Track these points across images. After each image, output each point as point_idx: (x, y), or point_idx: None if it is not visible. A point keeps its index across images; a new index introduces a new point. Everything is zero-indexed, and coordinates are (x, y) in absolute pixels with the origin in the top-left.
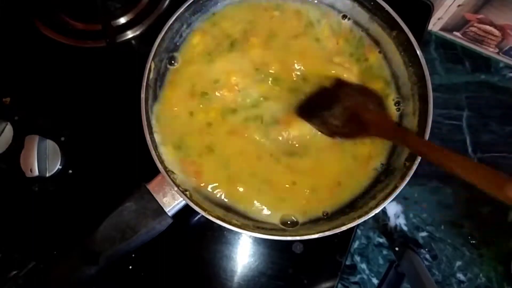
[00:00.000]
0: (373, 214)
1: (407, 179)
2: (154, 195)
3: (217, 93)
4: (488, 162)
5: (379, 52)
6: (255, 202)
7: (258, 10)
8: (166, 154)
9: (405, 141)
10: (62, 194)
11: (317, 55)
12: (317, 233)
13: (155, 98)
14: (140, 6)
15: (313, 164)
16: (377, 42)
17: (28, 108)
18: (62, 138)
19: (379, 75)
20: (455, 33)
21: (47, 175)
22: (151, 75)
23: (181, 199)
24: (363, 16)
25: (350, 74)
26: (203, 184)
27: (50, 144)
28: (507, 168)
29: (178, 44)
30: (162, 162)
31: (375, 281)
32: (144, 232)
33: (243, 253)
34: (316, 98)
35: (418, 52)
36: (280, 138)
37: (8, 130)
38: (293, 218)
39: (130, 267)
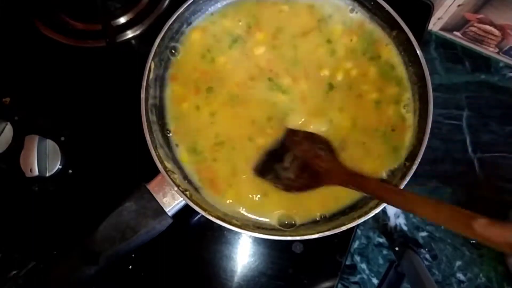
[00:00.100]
0: (373, 214)
1: (407, 179)
2: (154, 195)
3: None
4: (488, 162)
5: (386, 45)
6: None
7: (265, 3)
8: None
9: (362, 187)
10: (62, 194)
11: (326, 63)
12: (317, 233)
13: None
14: (140, 6)
15: None
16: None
17: (28, 108)
18: (62, 138)
19: (393, 76)
20: (455, 33)
21: (47, 175)
22: (151, 75)
23: (181, 199)
24: (363, 15)
25: (366, 81)
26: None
27: (50, 144)
28: (507, 168)
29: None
30: (162, 162)
31: (375, 281)
32: (144, 232)
33: (243, 253)
34: (268, 153)
35: (418, 52)
36: None
37: (8, 130)
38: (290, 219)
39: (130, 267)
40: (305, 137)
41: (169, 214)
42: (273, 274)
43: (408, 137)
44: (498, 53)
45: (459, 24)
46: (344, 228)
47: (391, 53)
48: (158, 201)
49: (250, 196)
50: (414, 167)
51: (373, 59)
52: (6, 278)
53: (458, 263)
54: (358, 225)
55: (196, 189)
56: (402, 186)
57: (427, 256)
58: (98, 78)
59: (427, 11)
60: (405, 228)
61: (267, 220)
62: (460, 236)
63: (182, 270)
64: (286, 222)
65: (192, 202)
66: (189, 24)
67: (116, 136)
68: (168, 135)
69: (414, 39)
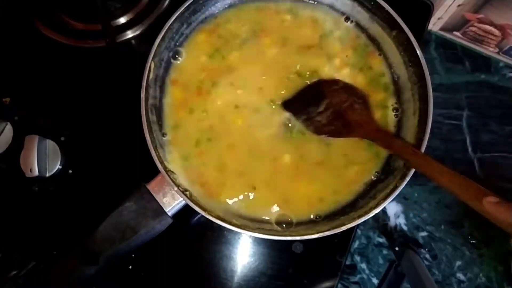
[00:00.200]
0: (373, 214)
1: (407, 179)
2: (154, 195)
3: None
4: (488, 162)
5: (379, 54)
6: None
7: (267, 11)
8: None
9: (388, 145)
10: (62, 194)
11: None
12: (317, 233)
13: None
14: (140, 6)
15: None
16: (377, 44)
17: (28, 108)
18: (62, 138)
19: (381, 84)
20: (455, 32)
21: (47, 175)
22: (151, 75)
23: (181, 199)
24: (363, 16)
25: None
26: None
27: (50, 144)
28: (507, 168)
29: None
30: (162, 162)
31: (375, 281)
32: (144, 232)
33: (243, 253)
34: (303, 94)
35: (418, 52)
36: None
37: (8, 130)
38: (288, 218)
39: (130, 267)
40: (344, 88)
41: (169, 214)
42: (273, 274)
43: None
44: (498, 53)
45: (459, 24)
46: (344, 228)
47: (381, 63)
48: (158, 201)
49: (241, 193)
50: None
51: (362, 70)
52: (6, 278)
53: (458, 263)
54: (358, 225)
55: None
56: (402, 186)
57: (427, 256)
58: (98, 78)
59: (427, 11)
60: (405, 228)
61: (265, 218)
62: (460, 236)
63: (182, 270)
64: (284, 223)
65: (192, 202)
66: (189, 24)
67: (116, 136)
68: (164, 138)
69: (414, 39)
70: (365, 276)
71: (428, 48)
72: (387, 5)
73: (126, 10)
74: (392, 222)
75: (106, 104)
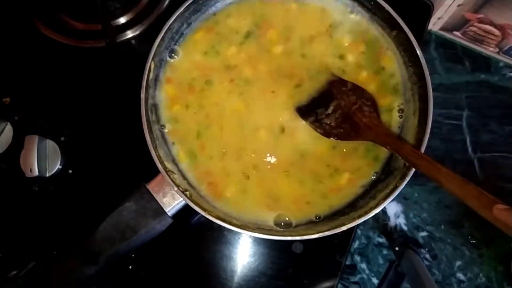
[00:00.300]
0: (373, 214)
1: (407, 179)
2: (154, 195)
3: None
4: (488, 162)
5: (387, 49)
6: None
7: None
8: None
9: (397, 149)
10: (62, 194)
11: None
12: (317, 233)
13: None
14: (140, 6)
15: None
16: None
17: (28, 108)
18: (62, 138)
19: (391, 85)
20: (455, 32)
21: (47, 175)
22: (151, 75)
23: (181, 199)
24: (363, 16)
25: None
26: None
27: (50, 144)
28: (507, 168)
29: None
30: (162, 162)
31: (375, 281)
32: (144, 232)
33: (243, 253)
34: (312, 95)
35: (418, 51)
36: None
37: (8, 130)
38: (286, 218)
39: (130, 267)
40: (353, 89)
41: (169, 214)
42: (273, 274)
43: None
44: (498, 53)
45: (459, 24)
46: (344, 228)
47: (392, 59)
48: (158, 201)
49: (238, 182)
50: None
51: (378, 72)
52: (6, 278)
53: (458, 263)
54: (358, 225)
55: (194, 189)
56: (402, 186)
57: (427, 256)
58: (98, 78)
59: (427, 11)
60: (405, 228)
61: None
62: (460, 236)
63: (182, 270)
64: (282, 223)
65: (192, 202)
66: (189, 24)
67: (116, 136)
68: (163, 130)
69: (414, 39)
70: (365, 276)
71: (428, 48)
72: (387, 5)
73: (126, 10)
74: (392, 222)
75: (106, 104)
